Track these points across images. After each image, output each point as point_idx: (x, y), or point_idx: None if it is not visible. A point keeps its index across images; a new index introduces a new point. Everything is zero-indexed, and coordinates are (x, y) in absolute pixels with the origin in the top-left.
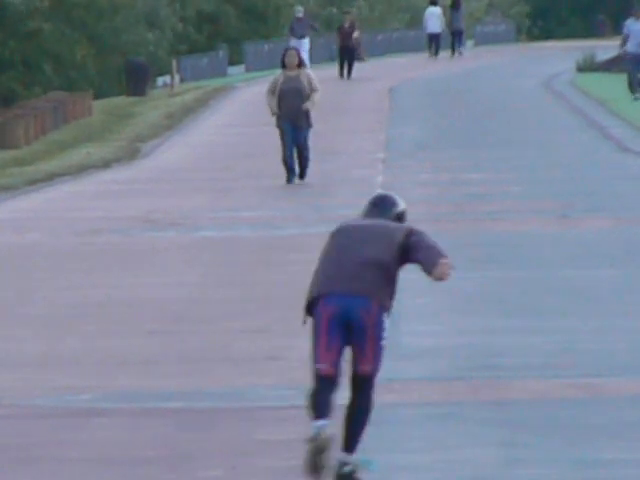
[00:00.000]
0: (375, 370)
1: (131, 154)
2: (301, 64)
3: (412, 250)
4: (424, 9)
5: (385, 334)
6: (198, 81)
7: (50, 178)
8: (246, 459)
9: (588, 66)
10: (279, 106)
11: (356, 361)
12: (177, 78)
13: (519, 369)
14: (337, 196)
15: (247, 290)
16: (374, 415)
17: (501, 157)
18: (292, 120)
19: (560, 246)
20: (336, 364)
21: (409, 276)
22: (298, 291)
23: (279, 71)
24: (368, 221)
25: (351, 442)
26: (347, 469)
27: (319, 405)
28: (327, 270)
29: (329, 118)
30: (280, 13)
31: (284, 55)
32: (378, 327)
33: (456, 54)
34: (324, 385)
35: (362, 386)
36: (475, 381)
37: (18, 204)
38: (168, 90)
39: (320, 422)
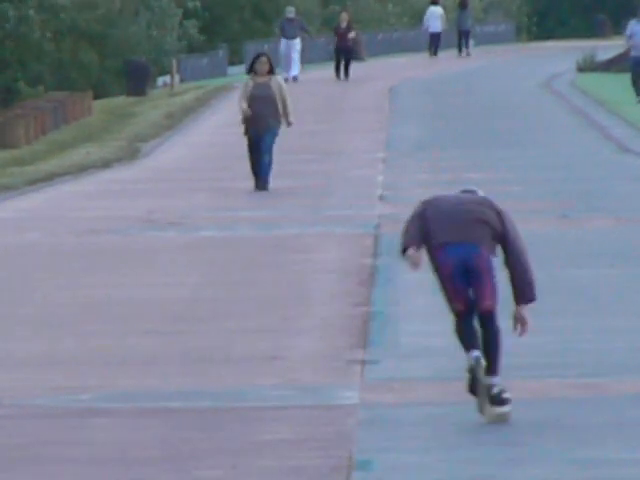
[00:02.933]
0: (495, 304)
1: (131, 154)
2: (272, 71)
3: (506, 241)
4: (424, 10)
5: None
6: (198, 81)
7: (50, 178)
8: (246, 459)
9: (588, 66)
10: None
11: (478, 299)
12: (177, 78)
13: (519, 369)
14: (337, 196)
15: (247, 290)
16: (374, 415)
17: (501, 157)
18: (260, 127)
19: (560, 246)
20: (466, 301)
21: (409, 276)
22: (298, 291)
23: (279, 70)
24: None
25: (494, 366)
26: (496, 390)
27: (468, 337)
28: (442, 224)
29: (329, 118)
30: (282, 13)
31: (254, 61)
32: (491, 267)
33: (463, 53)
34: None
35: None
36: None
37: (18, 204)
38: (168, 90)
39: (475, 353)
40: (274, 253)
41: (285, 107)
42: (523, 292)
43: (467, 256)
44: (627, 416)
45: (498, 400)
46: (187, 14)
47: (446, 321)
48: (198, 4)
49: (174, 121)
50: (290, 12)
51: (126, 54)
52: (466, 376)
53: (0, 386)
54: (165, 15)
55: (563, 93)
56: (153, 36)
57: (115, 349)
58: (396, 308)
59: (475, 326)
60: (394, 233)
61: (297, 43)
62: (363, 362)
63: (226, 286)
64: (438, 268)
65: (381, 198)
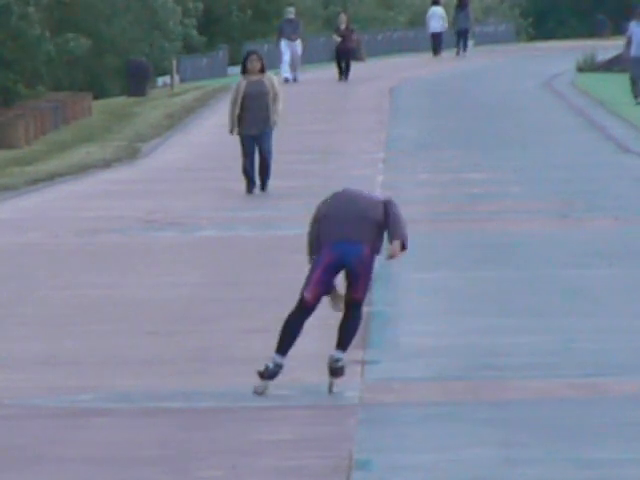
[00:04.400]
0: (365, 296)
1: (131, 154)
2: (263, 69)
3: (387, 217)
4: (425, 10)
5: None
6: (198, 81)
7: (51, 178)
8: (246, 459)
9: (588, 66)
10: (242, 112)
11: (351, 290)
12: (177, 78)
13: (519, 369)
14: None
15: (247, 290)
16: (374, 415)
17: (501, 157)
18: (254, 126)
19: (560, 246)
20: (318, 296)
21: (410, 276)
22: (298, 291)
23: (277, 71)
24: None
25: (345, 343)
26: (340, 364)
27: (288, 339)
28: (331, 223)
29: (329, 118)
30: (282, 13)
31: (246, 60)
32: (370, 266)
33: (460, 54)
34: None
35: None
36: (475, 381)
37: (18, 204)
38: (168, 90)
39: (280, 360)
40: (274, 253)
41: (275, 104)
42: (395, 233)
43: (348, 256)
44: (627, 416)
45: (335, 371)
46: (187, 14)
47: (446, 321)
48: (199, 4)
49: (174, 121)
50: (290, 12)
51: (126, 54)
52: (267, 365)
53: (0, 386)
54: (165, 14)
55: (563, 93)
56: (153, 36)
57: (115, 349)
58: (396, 308)
59: (299, 330)
60: None
61: (297, 44)
62: (363, 362)
63: (226, 286)
64: (320, 255)
65: None
